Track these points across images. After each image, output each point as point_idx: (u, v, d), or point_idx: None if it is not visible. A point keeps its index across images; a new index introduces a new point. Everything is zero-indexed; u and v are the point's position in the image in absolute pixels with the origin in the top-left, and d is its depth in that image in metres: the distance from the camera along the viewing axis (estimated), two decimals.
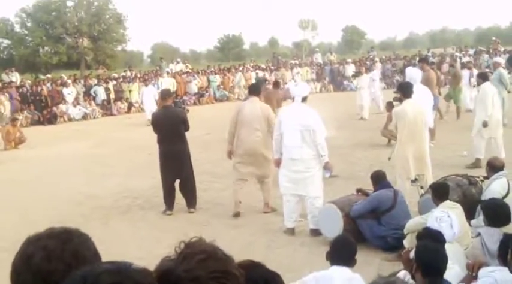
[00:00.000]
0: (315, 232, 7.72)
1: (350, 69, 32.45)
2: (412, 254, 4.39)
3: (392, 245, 6.85)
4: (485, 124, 11.00)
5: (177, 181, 9.42)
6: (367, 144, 14.69)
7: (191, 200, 9.41)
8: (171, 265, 1.57)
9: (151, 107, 21.59)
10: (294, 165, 7.89)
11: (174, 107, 10.38)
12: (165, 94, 10.10)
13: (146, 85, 24.25)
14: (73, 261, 1.61)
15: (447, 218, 5.25)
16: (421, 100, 9.27)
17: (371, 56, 37.50)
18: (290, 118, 7.95)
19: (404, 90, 8.78)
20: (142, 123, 20.98)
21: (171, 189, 9.41)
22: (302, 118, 7.85)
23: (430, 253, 4.08)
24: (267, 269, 2.04)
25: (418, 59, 25.40)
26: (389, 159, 9.49)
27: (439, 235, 4.79)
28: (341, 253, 4.70)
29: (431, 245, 4.29)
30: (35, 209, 9.98)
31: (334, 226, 7.40)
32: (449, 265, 4.50)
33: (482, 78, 11.90)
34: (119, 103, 27.22)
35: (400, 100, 9.14)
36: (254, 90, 9.58)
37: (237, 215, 8.99)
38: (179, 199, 9.46)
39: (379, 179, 7.57)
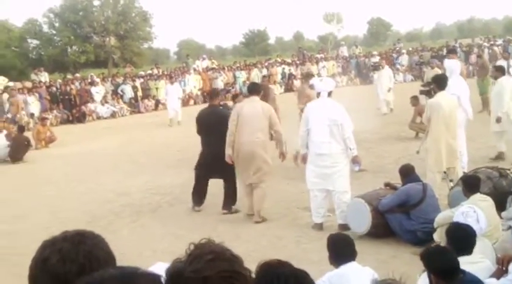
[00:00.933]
0: (344, 227, 7.69)
1: (375, 61, 32.20)
2: None
3: (422, 239, 6.80)
4: (498, 120, 10.87)
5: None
6: (395, 137, 14.60)
7: (229, 201, 9.15)
8: (181, 266, 1.61)
9: (174, 106, 21.54)
10: (321, 160, 7.88)
11: (220, 107, 10.23)
12: (213, 94, 10.14)
13: (172, 83, 23.64)
14: (87, 262, 1.66)
15: (473, 213, 5.21)
16: (460, 92, 9.26)
17: (397, 48, 37.17)
18: (318, 114, 7.94)
19: (439, 82, 8.75)
20: (165, 122, 21.18)
21: (204, 187, 9.35)
22: (330, 113, 7.86)
23: (438, 256, 4.05)
24: (294, 267, 2.07)
25: (446, 50, 25.12)
26: (417, 152, 9.42)
27: (468, 228, 4.75)
28: (344, 250, 4.67)
29: (435, 248, 4.29)
30: (66, 207, 10.14)
31: (363, 221, 7.39)
32: (479, 259, 4.48)
33: (501, 71, 11.69)
34: (146, 100, 27.43)
35: (429, 93, 9.09)
36: (254, 89, 9.09)
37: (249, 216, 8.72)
38: (209, 195, 9.49)
39: (407, 173, 7.53)
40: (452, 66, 10.15)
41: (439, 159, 8.44)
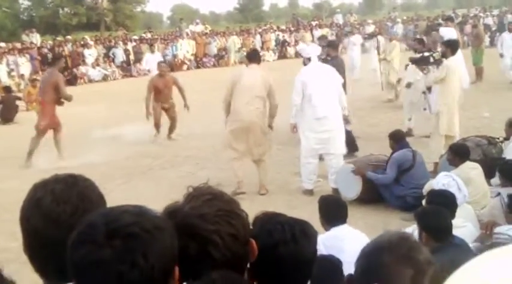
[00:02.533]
0: (337, 191, 7.68)
1: (370, 30, 31.99)
2: None
3: (411, 204, 6.83)
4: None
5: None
6: (387, 106, 14.59)
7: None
8: (179, 204, 1.64)
9: None
10: (321, 124, 7.86)
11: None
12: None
13: (152, 51, 21.28)
14: (80, 203, 1.66)
15: (453, 182, 5.26)
16: (455, 61, 9.25)
17: (392, 17, 36.93)
18: (316, 78, 7.91)
19: (453, 47, 8.75)
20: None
21: None
22: (327, 76, 7.92)
23: (432, 215, 4.07)
24: (293, 217, 2.06)
25: (441, 19, 24.96)
26: (409, 119, 9.43)
27: (447, 192, 4.80)
28: (336, 213, 4.68)
29: (431, 207, 4.31)
30: (53, 170, 10.08)
31: (353, 186, 7.45)
32: (462, 223, 4.53)
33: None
34: (138, 64, 27.25)
35: (423, 62, 9.07)
36: (254, 56, 8.63)
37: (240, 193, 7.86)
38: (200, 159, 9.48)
39: (400, 138, 7.55)
40: (449, 34, 10.12)
41: (452, 121, 8.53)
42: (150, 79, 12.58)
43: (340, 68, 10.10)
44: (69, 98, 10.96)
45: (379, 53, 15.32)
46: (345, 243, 4.26)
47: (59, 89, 10.77)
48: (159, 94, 12.07)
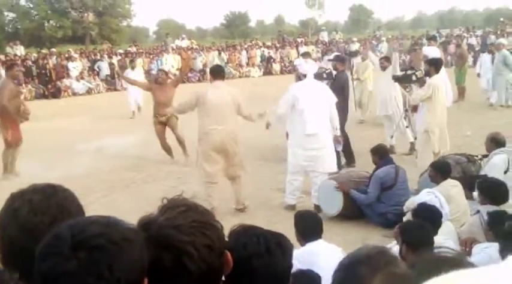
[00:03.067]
0: (319, 208, 7.69)
1: (355, 48, 32.26)
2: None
3: (392, 221, 6.84)
4: None
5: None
6: (370, 123, 14.65)
7: None
8: (154, 216, 1.62)
9: (136, 96, 17.49)
10: (309, 142, 7.79)
11: None
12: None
13: (132, 67, 18.60)
14: (58, 214, 1.65)
15: (435, 198, 5.30)
16: (441, 79, 9.37)
17: (377, 35, 37.28)
18: (309, 94, 7.88)
19: (437, 65, 8.87)
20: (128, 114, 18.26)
21: None
22: (321, 93, 7.95)
23: (416, 230, 4.10)
24: (269, 230, 2.06)
25: (425, 38, 25.21)
26: (391, 136, 9.46)
27: (434, 208, 4.83)
28: (312, 228, 4.70)
29: (415, 222, 4.33)
30: (36, 180, 9.99)
31: (334, 202, 7.45)
32: (443, 240, 4.54)
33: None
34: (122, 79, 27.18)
35: (406, 80, 9.17)
36: (218, 73, 8.15)
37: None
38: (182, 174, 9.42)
39: (382, 154, 7.56)
40: (432, 53, 10.25)
41: (444, 138, 8.66)
42: (151, 86, 11.89)
43: (345, 84, 10.21)
44: (11, 109, 10.32)
45: (351, 73, 15.22)
46: (319, 258, 4.26)
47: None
48: (157, 104, 11.16)
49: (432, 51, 10.55)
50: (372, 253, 1.76)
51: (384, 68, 11.33)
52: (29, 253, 1.54)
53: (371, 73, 14.92)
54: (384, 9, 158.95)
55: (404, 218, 6.44)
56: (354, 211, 7.40)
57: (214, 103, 7.68)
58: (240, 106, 7.84)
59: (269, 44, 35.63)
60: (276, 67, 32.47)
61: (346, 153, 9.45)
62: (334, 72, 10.05)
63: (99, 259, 1.26)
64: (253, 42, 35.87)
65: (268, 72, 31.98)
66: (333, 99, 8.09)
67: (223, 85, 7.97)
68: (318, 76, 8.93)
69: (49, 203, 1.67)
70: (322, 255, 4.36)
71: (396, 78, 10.36)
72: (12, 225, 1.65)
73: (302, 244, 4.67)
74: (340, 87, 9.82)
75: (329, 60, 10.31)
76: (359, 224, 7.32)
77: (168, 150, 11.40)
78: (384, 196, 7.22)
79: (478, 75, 17.71)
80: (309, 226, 4.73)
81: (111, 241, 1.29)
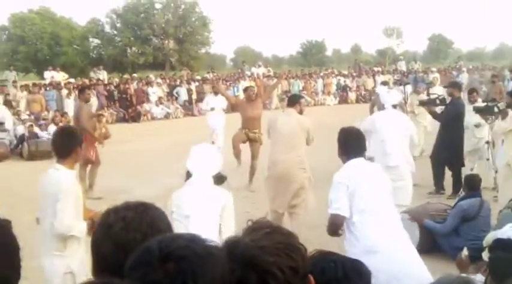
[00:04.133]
0: None
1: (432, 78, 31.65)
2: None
3: (470, 256, 6.61)
4: None
5: None
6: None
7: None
8: (240, 237, 1.67)
9: (216, 128, 14.48)
10: (389, 173, 7.66)
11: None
12: None
13: (215, 93, 15.07)
14: (149, 231, 1.71)
15: None
16: None
17: (457, 66, 36.51)
18: (392, 125, 7.77)
19: None
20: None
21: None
22: (402, 124, 7.81)
23: (503, 261, 3.94)
24: (347, 256, 2.06)
25: (508, 70, 24.48)
26: (471, 169, 9.21)
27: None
28: (355, 144, 4.77)
29: (503, 255, 4.15)
30: (114, 199, 10.27)
31: (410, 236, 7.23)
32: None
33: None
34: (200, 104, 27.72)
35: (499, 112, 9.03)
36: (291, 100, 8.10)
37: None
38: None
39: (473, 185, 7.35)
40: None
41: None
42: (239, 101, 11.89)
43: (462, 110, 10.02)
44: (86, 130, 10.83)
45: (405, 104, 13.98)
46: (360, 173, 4.61)
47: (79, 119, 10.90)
48: (248, 119, 10.99)
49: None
50: (455, 282, 1.72)
51: (473, 102, 10.93)
52: (121, 269, 1.60)
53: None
54: (464, 39, 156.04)
55: (484, 254, 6.21)
56: (429, 245, 7.18)
57: (282, 132, 7.59)
58: (308, 135, 7.62)
59: (345, 72, 35.54)
60: (352, 96, 32.34)
61: (455, 180, 9.46)
62: (449, 99, 10.00)
63: (184, 269, 1.33)
64: (329, 70, 35.92)
65: (343, 100, 31.89)
66: (413, 130, 7.93)
67: (293, 113, 7.76)
68: (431, 102, 8.83)
69: (141, 220, 1.74)
70: (362, 169, 4.64)
71: (478, 110, 10.09)
72: (106, 240, 1.72)
73: (344, 161, 4.75)
74: (456, 114, 9.69)
75: (444, 86, 10.23)
76: (435, 258, 7.07)
77: (238, 154, 11.32)
78: (463, 229, 6.98)
79: None
80: (353, 142, 4.78)
81: (196, 253, 1.36)
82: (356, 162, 4.67)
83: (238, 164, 11.31)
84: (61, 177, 4.46)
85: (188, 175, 4.40)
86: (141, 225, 1.73)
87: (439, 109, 10.31)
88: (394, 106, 8.10)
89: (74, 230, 4.46)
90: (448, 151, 9.92)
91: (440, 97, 9.59)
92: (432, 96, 9.98)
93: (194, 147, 4.52)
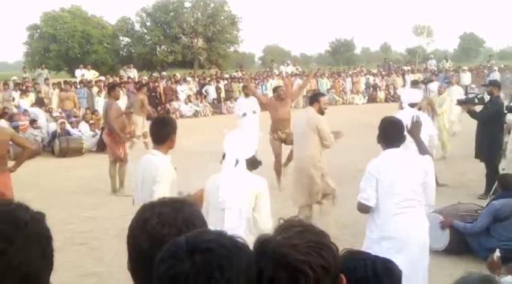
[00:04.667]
0: None
1: (466, 78, 31.25)
2: None
3: (502, 257, 6.51)
4: None
5: None
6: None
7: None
8: (271, 234, 1.67)
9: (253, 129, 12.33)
10: None
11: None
12: None
13: (246, 94, 14.33)
14: (184, 227, 1.73)
15: None
16: None
17: (489, 64, 35.96)
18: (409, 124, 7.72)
19: None
20: None
21: None
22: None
23: None
24: (378, 256, 2.05)
25: None
26: (503, 169, 9.08)
27: None
28: (393, 134, 4.88)
29: None
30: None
31: (440, 237, 7.15)
32: None
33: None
34: (228, 102, 27.84)
35: None
36: (313, 99, 7.89)
37: None
38: None
39: (506, 185, 7.23)
40: None
41: None
42: (270, 101, 11.70)
43: (501, 109, 9.93)
44: (117, 128, 11.04)
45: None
46: (392, 164, 4.78)
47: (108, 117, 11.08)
48: (278, 120, 10.88)
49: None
50: (476, 281, 1.69)
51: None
52: None
53: (449, 106, 13.89)
54: (496, 38, 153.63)
55: None
56: (460, 246, 7.08)
57: (294, 130, 7.84)
58: (319, 134, 7.46)
59: (374, 71, 35.29)
60: (381, 95, 32.09)
61: (489, 179, 9.35)
62: (488, 98, 9.93)
63: (211, 261, 1.35)
64: (357, 69, 35.71)
65: (372, 99, 31.67)
66: (432, 130, 7.87)
67: (310, 111, 7.68)
68: (469, 101, 8.76)
69: (176, 216, 1.77)
70: (396, 160, 4.79)
71: (509, 109, 9.97)
72: (142, 235, 1.75)
73: (383, 148, 4.93)
74: (495, 113, 9.58)
75: (483, 85, 10.15)
76: (466, 259, 7.00)
77: (279, 171, 10.93)
78: (494, 229, 6.85)
79: None
80: (391, 131, 4.90)
81: (222, 246, 1.39)
82: (391, 152, 4.85)
83: (278, 184, 10.69)
84: (157, 161, 4.84)
85: (224, 158, 4.45)
86: (176, 221, 1.75)
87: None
88: (413, 106, 7.99)
89: None
90: (488, 150, 9.82)
91: (478, 96, 9.47)
92: (470, 95, 9.86)
93: (230, 132, 4.54)
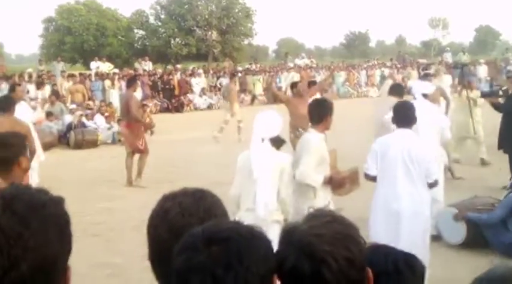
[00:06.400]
0: (435, 238, 7.33)
1: (482, 70, 30.98)
2: None
3: None
4: None
5: None
6: (496, 147, 13.94)
7: None
8: (299, 222, 1.64)
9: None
10: None
11: None
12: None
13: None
14: (206, 217, 1.71)
15: None
16: None
17: (505, 57, 35.62)
18: (420, 115, 7.64)
19: None
20: None
21: None
22: (432, 115, 7.62)
23: None
24: (401, 250, 2.03)
25: None
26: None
27: None
28: (406, 116, 5.45)
29: None
30: (162, 190, 10.37)
31: (457, 231, 7.08)
32: None
33: None
34: (242, 95, 27.80)
35: None
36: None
37: None
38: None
39: None
40: None
41: None
42: (290, 99, 11.50)
43: None
44: (139, 119, 11.10)
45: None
46: (393, 144, 5.38)
47: (130, 109, 10.99)
48: (298, 117, 10.48)
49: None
50: (507, 274, 1.64)
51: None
52: None
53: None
54: None
55: None
56: (478, 240, 6.98)
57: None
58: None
59: (389, 64, 35.08)
60: None
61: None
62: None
63: (229, 250, 1.35)
64: (372, 62, 35.53)
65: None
66: (446, 123, 7.74)
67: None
68: (493, 93, 8.76)
69: (198, 206, 1.76)
70: (396, 140, 5.41)
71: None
72: (162, 225, 1.74)
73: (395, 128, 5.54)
74: None
75: (508, 77, 10.15)
76: (482, 254, 6.88)
77: None
78: None
79: None
80: (402, 113, 5.48)
81: (240, 235, 1.39)
82: (399, 133, 5.46)
83: None
84: (310, 137, 5.52)
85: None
86: (198, 211, 1.74)
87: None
88: (425, 96, 7.86)
89: (308, 179, 5.31)
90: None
91: (503, 89, 9.40)
92: (495, 88, 9.83)
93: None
